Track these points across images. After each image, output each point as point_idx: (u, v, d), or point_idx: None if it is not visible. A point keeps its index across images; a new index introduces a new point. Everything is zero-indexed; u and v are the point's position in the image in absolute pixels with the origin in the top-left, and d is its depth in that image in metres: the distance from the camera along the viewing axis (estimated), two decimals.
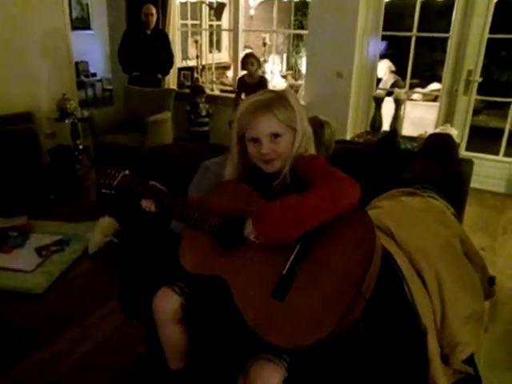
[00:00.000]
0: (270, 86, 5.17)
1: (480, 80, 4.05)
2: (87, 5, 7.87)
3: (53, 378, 1.90)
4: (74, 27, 6.77)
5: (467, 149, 4.31)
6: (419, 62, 4.81)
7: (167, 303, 1.34)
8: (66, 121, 4.38)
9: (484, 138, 4.80)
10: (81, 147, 4.60)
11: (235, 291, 1.19)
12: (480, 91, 4.16)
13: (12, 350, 2.06)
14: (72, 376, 1.92)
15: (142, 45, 4.72)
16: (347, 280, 1.07)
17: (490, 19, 3.85)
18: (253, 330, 1.11)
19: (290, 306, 1.10)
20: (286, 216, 1.10)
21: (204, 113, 4.89)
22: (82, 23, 7.77)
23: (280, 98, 1.30)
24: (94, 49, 7.89)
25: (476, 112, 4.86)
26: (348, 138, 4.14)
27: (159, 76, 4.90)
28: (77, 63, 6.61)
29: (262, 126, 1.27)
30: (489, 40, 3.91)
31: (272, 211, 1.12)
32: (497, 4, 3.82)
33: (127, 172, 1.45)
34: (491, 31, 3.89)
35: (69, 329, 2.20)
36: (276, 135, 1.27)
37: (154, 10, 4.71)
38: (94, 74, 8.01)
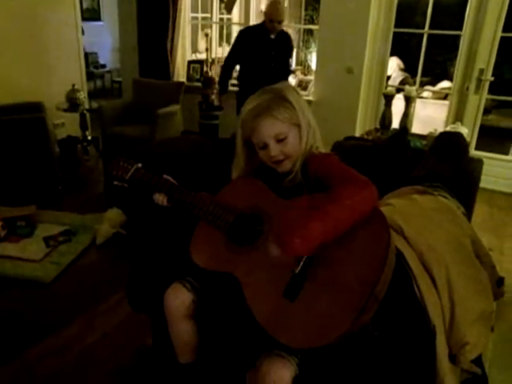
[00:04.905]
0: None
1: (492, 79, 4.01)
2: None
3: (58, 368, 1.91)
4: (85, 18, 6.75)
5: (477, 148, 4.28)
6: (429, 60, 4.76)
7: (178, 299, 1.34)
8: (75, 112, 4.39)
9: (494, 138, 4.76)
10: (89, 138, 4.61)
11: (246, 289, 1.18)
12: (490, 90, 4.12)
13: (19, 338, 2.07)
14: (78, 366, 1.93)
15: (267, 52, 3.86)
16: (361, 281, 1.05)
17: (503, 17, 3.80)
18: (263, 329, 1.10)
19: (302, 306, 1.08)
20: (314, 234, 1.05)
21: (216, 103, 4.85)
22: (92, 14, 7.78)
23: (278, 97, 1.29)
24: (103, 40, 7.90)
25: (486, 111, 4.81)
26: (357, 134, 4.12)
27: None
28: (86, 54, 6.63)
29: (265, 131, 1.27)
30: (502, 39, 3.86)
31: (300, 231, 1.05)
32: (511, 2, 3.76)
33: (140, 165, 1.44)
34: (504, 30, 3.83)
35: (76, 319, 2.21)
36: (281, 137, 1.27)
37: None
38: (104, 66, 8.03)
